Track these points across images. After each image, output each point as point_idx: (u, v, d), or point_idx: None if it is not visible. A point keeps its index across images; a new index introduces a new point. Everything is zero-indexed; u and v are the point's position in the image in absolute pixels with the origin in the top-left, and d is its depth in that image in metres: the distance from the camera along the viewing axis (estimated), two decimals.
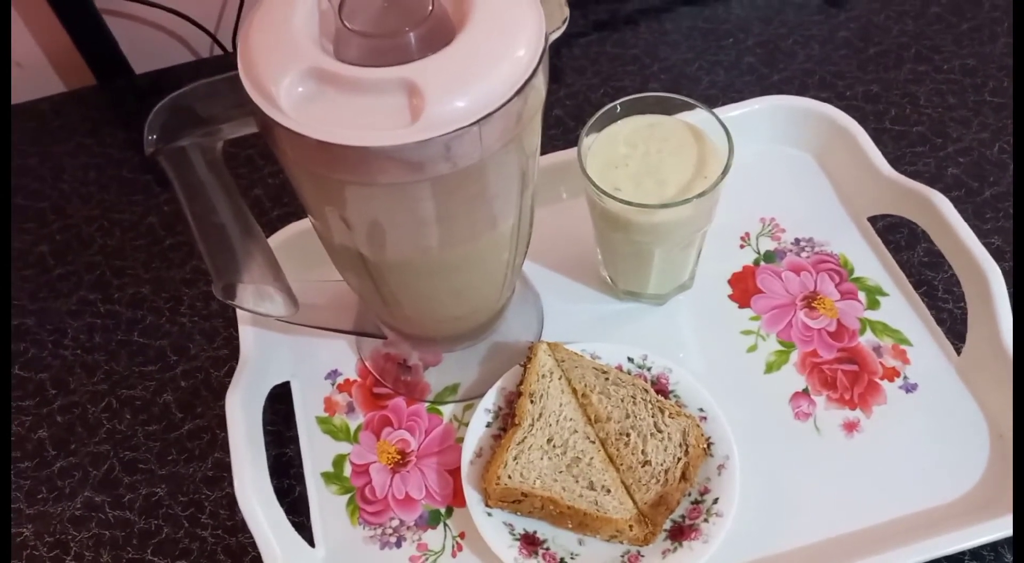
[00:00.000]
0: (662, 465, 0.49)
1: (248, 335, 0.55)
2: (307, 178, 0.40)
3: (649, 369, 0.53)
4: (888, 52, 0.71)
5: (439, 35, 0.37)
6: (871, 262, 0.57)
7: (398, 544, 0.50)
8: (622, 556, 0.48)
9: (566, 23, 0.56)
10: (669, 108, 0.52)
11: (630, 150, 0.51)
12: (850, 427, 0.51)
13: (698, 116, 0.51)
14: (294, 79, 0.36)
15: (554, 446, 0.49)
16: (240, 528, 0.52)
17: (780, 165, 0.62)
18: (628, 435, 0.50)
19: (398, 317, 0.50)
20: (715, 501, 0.48)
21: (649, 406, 0.50)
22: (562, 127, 0.68)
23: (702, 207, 0.50)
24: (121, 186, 0.70)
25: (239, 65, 0.37)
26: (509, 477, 0.48)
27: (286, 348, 0.57)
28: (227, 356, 0.59)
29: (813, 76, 0.69)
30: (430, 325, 0.52)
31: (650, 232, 0.50)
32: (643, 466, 0.49)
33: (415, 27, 0.37)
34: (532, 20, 0.38)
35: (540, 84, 0.38)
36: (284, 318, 0.52)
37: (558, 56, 0.74)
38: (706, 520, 0.47)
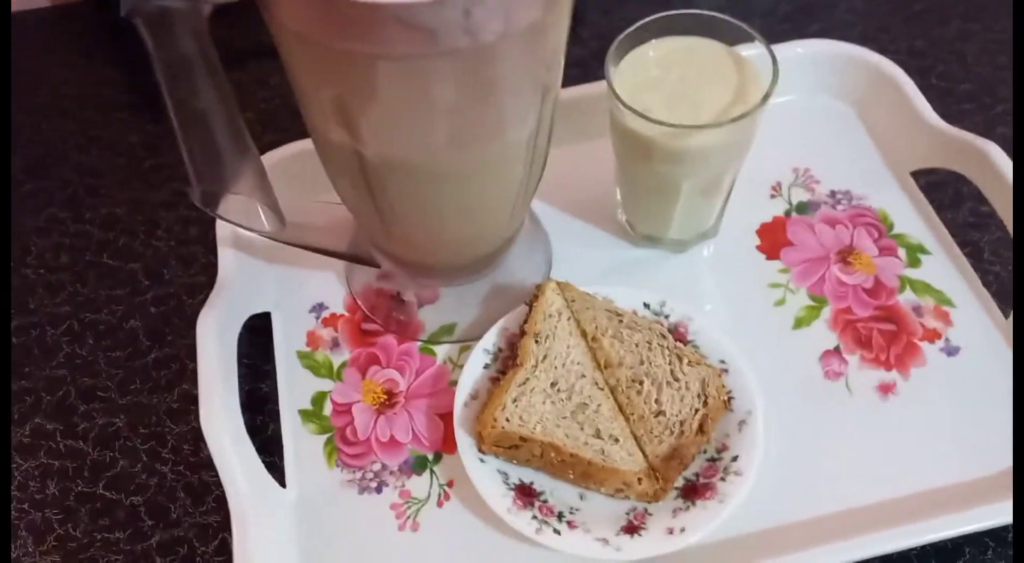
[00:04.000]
0: (677, 416, 0.44)
1: (228, 258, 0.50)
2: (304, 51, 0.35)
3: (667, 316, 0.48)
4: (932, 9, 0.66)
5: None
6: (913, 219, 0.53)
7: (379, 490, 0.45)
8: (627, 513, 0.43)
9: None
10: (707, 29, 0.47)
11: (663, 73, 0.46)
12: (885, 389, 0.47)
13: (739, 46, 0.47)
14: None
15: (558, 390, 0.44)
16: (204, 465, 0.47)
17: (817, 114, 0.58)
18: (641, 382, 0.45)
19: (395, 238, 0.45)
20: (734, 459, 0.43)
21: (666, 353, 0.45)
22: (583, 67, 0.63)
23: (738, 135, 0.45)
24: (104, 104, 0.65)
25: None
26: (507, 420, 0.43)
27: (269, 276, 0.53)
28: (204, 284, 0.54)
29: (854, 28, 0.65)
30: (430, 249, 0.47)
31: (679, 161, 0.45)
32: (656, 416, 0.44)
33: None
34: None
35: None
36: (269, 235, 0.47)
37: None
38: (723, 479, 0.43)
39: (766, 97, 0.44)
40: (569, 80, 0.63)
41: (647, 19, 0.46)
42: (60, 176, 0.60)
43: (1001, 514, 0.41)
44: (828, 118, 0.58)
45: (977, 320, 0.49)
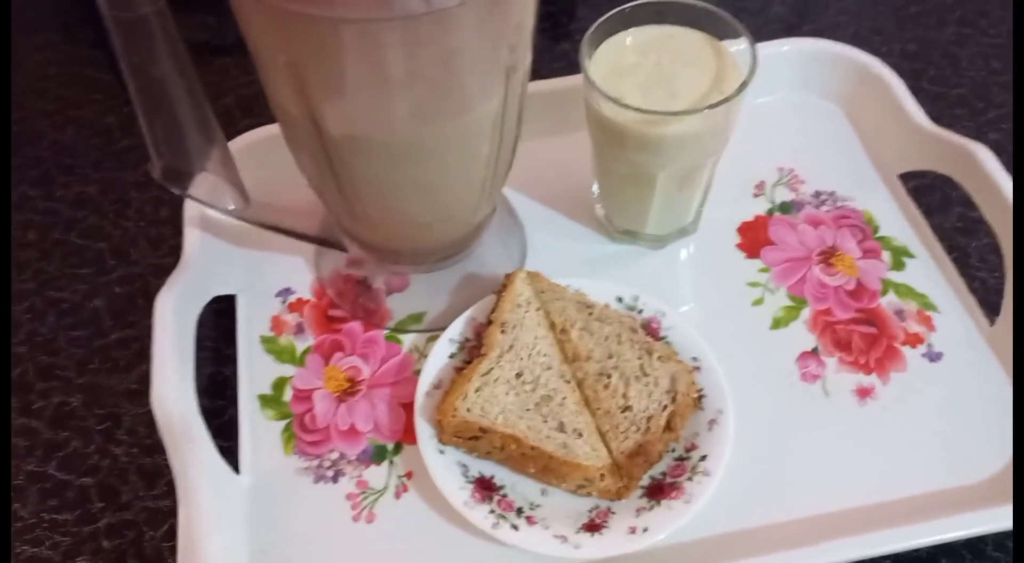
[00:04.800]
0: (645, 412, 0.42)
1: (194, 238, 0.49)
2: (259, 15, 0.34)
3: (640, 311, 0.47)
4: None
5: None
6: (898, 221, 0.51)
7: (335, 479, 0.44)
8: (589, 511, 0.41)
9: None
10: (688, 20, 0.46)
11: (640, 59, 0.45)
12: (863, 393, 0.45)
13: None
14: None
15: (523, 382, 0.43)
16: (159, 449, 0.45)
17: (804, 113, 0.57)
18: (609, 376, 0.43)
19: (359, 218, 0.44)
20: (702, 459, 0.42)
21: (636, 347, 0.44)
22: (567, 61, 0.63)
23: (715, 126, 0.44)
24: (83, 84, 0.64)
25: None
26: (468, 410, 0.41)
27: (236, 259, 0.51)
28: (171, 265, 0.52)
29: (846, 30, 0.63)
30: (394, 231, 0.45)
31: (654, 149, 0.44)
32: (623, 412, 0.42)
33: None
34: None
35: None
36: (234, 214, 0.46)
37: None
38: (690, 479, 0.41)
39: (743, 85, 0.43)
40: (554, 73, 0.62)
41: (626, 6, 0.45)
42: (34, 154, 0.59)
43: (979, 523, 0.39)
44: (815, 118, 0.57)
45: (961, 326, 0.47)
